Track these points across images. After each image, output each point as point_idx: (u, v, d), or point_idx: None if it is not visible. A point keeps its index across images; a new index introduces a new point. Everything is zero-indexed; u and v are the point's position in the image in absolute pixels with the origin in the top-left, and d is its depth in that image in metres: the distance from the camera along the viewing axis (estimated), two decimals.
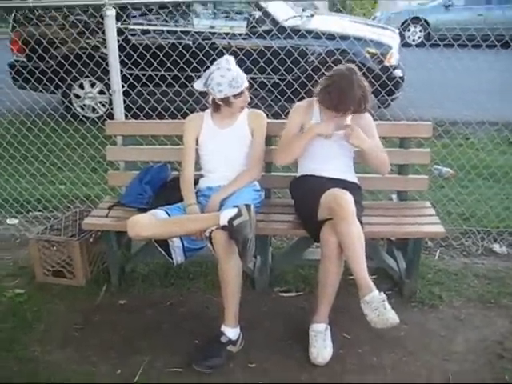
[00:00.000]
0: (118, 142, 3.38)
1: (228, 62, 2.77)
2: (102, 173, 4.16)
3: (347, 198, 2.51)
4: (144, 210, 2.80)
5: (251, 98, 2.93)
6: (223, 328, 2.61)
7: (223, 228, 2.47)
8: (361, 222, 2.55)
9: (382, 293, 2.39)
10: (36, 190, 4.29)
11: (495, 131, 4.37)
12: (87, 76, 5.60)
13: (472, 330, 2.82)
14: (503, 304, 3.04)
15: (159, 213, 2.70)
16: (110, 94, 3.65)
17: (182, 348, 2.68)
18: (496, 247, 3.67)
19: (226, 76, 2.73)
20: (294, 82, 4.35)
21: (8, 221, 4.15)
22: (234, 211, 2.45)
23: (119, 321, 2.92)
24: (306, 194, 2.79)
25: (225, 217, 2.46)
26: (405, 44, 7.60)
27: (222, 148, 2.90)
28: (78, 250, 3.15)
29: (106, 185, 3.98)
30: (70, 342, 2.77)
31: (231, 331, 2.60)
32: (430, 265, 3.42)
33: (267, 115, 3.04)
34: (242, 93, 2.80)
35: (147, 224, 2.59)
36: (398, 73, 6.00)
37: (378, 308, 2.33)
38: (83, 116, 5.97)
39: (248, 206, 2.46)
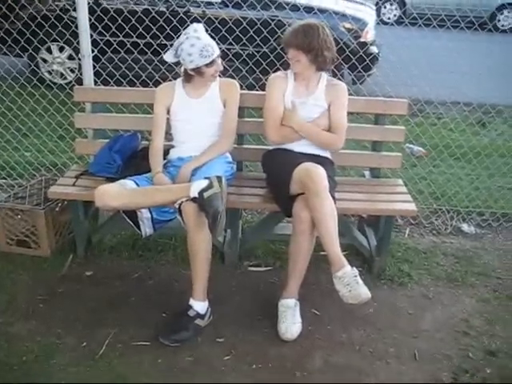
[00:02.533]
0: (86, 109, 3.27)
1: (196, 30, 2.69)
2: (70, 140, 4.04)
3: (320, 172, 2.48)
4: (112, 180, 2.72)
5: (226, 69, 2.86)
6: (191, 302, 2.57)
7: (193, 200, 2.41)
8: (333, 198, 2.52)
9: (354, 268, 2.38)
10: (0, 156, 4.14)
11: (469, 112, 4.37)
12: (55, 40, 5.40)
13: (440, 308, 2.85)
14: (470, 283, 3.08)
15: (128, 183, 2.62)
16: (79, 60, 3.51)
17: (150, 321, 2.63)
18: (465, 227, 3.71)
19: (195, 45, 2.65)
20: (269, 54, 4.26)
21: None
22: (205, 183, 2.40)
23: (85, 292, 2.85)
24: (278, 168, 2.75)
25: (195, 188, 2.40)
26: (380, 21, 7.54)
27: (194, 118, 2.83)
28: (43, 220, 3.06)
29: (73, 153, 3.86)
30: (34, 313, 2.69)
31: (199, 305, 2.57)
32: (400, 243, 3.44)
33: (241, 86, 2.97)
34: (213, 62, 2.72)
35: (115, 194, 2.51)
36: (373, 49, 5.97)
37: (350, 283, 2.31)
38: (51, 81, 5.78)
39: (219, 178, 2.41)
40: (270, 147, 2.96)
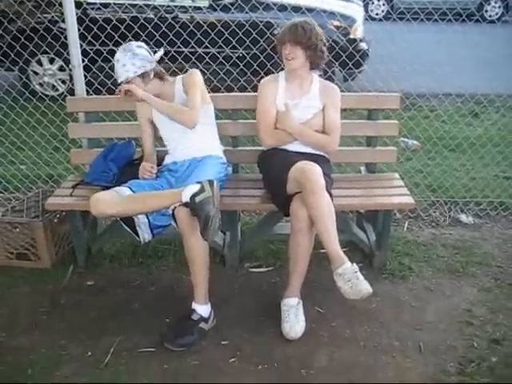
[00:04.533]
0: (80, 119, 3.26)
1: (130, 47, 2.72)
2: (65, 151, 4.04)
3: (316, 170, 2.48)
4: (108, 188, 2.71)
5: (217, 72, 2.87)
6: (194, 305, 2.57)
7: (185, 205, 2.41)
8: (330, 195, 2.53)
9: (355, 264, 2.38)
10: None
11: (461, 103, 4.37)
12: (45, 52, 5.39)
13: (442, 300, 2.86)
14: (471, 273, 3.09)
15: (123, 189, 2.62)
16: (70, 70, 3.51)
17: (154, 327, 2.63)
18: (463, 217, 3.72)
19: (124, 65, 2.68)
20: (260, 55, 4.27)
21: None
22: (197, 187, 2.39)
23: (87, 302, 2.85)
24: (274, 168, 2.75)
25: (187, 193, 2.39)
26: (368, 17, 7.57)
27: (170, 122, 2.80)
28: (42, 231, 3.05)
29: (69, 164, 3.86)
30: (37, 325, 2.69)
31: (202, 308, 2.57)
32: (399, 236, 3.44)
33: (232, 89, 2.98)
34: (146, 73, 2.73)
35: (110, 201, 2.51)
36: (363, 45, 5.98)
37: (351, 279, 2.31)
38: (43, 94, 5.77)
39: (211, 182, 2.40)
40: (265, 148, 2.97)
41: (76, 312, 2.77)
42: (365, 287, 2.31)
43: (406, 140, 4.72)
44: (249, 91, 3.35)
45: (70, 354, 2.49)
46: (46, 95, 4.96)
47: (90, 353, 2.49)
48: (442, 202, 3.80)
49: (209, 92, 2.95)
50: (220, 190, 2.71)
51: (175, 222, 2.49)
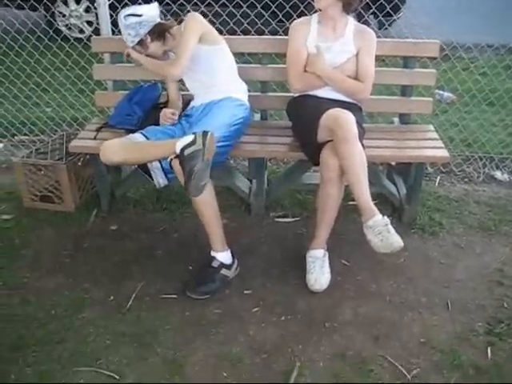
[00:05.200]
0: (105, 60, 3.17)
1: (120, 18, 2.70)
2: (90, 93, 3.96)
3: (349, 118, 2.37)
4: (132, 132, 2.65)
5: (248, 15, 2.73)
6: (212, 253, 2.54)
7: (176, 156, 2.32)
8: (362, 145, 2.41)
9: (385, 217, 2.29)
10: (20, 112, 4.09)
11: (504, 54, 4.14)
12: None
13: (472, 258, 2.77)
14: (504, 231, 2.98)
15: (135, 136, 2.56)
16: (95, 8, 3.39)
17: (176, 274, 2.61)
18: (498, 174, 3.59)
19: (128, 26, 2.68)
20: None
21: None
22: (189, 139, 2.27)
23: (110, 246, 2.83)
24: (305, 115, 2.64)
25: (179, 144, 2.30)
26: None
27: (188, 68, 2.71)
28: (66, 174, 3.02)
29: (94, 106, 3.79)
30: (61, 268, 2.68)
31: (221, 255, 2.53)
32: (431, 191, 3.33)
33: (263, 32, 2.84)
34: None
35: (116, 149, 2.46)
36: None
37: (382, 232, 2.23)
38: (68, 35, 5.66)
39: (205, 134, 2.27)
40: (295, 94, 2.85)
41: (99, 256, 2.76)
42: (396, 240, 2.23)
43: (441, 92, 4.53)
44: (280, 35, 3.19)
45: (92, 298, 2.48)
46: (72, 37, 4.86)
47: (112, 297, 2.48)
48: (476, 157, 3.66)
49: (224, 34, 2.84)
50: (238, 134, 2.64)
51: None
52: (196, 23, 2.64)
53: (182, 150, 2.26)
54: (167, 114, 2.76)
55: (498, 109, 4.12)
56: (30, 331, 2.29)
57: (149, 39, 2.70)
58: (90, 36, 3.24)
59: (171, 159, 2.36)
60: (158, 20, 2.70)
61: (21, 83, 4.08)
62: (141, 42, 2.71)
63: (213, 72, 2.74)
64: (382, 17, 4.08)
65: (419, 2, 5.14)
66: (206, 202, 2.44)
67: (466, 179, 3.54)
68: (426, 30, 3.84)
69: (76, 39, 4.10)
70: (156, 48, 2.74)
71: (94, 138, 2.88)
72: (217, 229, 2.51)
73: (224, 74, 2.78)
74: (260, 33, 3.37)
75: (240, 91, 2.83)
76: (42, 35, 3.90)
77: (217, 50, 2.73)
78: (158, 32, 2.71)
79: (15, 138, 3.98)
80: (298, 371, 2.10)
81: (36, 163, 3.07)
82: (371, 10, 3.91)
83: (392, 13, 4.41)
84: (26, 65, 4.12)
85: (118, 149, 2.46)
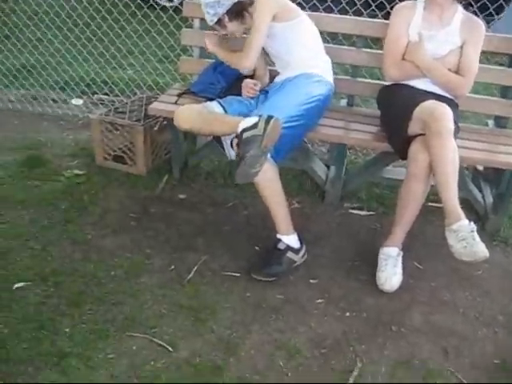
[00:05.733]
0: (194, 26, 3.09)
1: None
2: (175, 59, 3.91)
3: (447, 112, 2.19)
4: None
5: None
6: (278, 235, 2.43)
7: (237, 136, 2.21)
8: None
9: (472, 223, 2.11)
10: (104, 70, 4.10)
11: None
12: None
13: None
14: None
15: (212, 105, 2.50)
16: None
17: (242, 252, 2.53)
18: None
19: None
20: None
21: (73, 101, 4.02)
22: (252, 121, 2.15)
23: (178, 215, 2.77)
24: (398, 104, 2.48)
25: (241, 125, 2.19)
26: None
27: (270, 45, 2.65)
28: (142, 136, 2.97)
29: (176, 73, 3.74)
30: (125, 229, 2.65)
31: (287, 238, 2.42)
32: None
33: (362, 13, 2.68)
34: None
35: (186, 117, 2.42)
36: None
37: (466, 238, 2.06)
38: (156, 3, 5.62)
39: (269, 119, 2.13)
40: (388, 82, 2.68)
41: (165, 223, 2.71)
42: (481, 249, 2.06)
43: None
44: (379, 18, 3.02)
45: (153, 264, 2.44)
46: (159, 5, 4.82)
47: (173, 266, 2.43)
48: None
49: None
50: (313, 113, 2.47)
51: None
52: (265, 6, 2.50)
53: (243, 131, 2.16)
54: (249, 85, 2.67)
55: None
56: (88, 288, 2.27)
57: (226, 18, 2.57)
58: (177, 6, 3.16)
59: (234, 137, 2.27)
60: None
61: (105, 45, 4.07)
62: (219, 22, 2.59)
63: (288, 48, 2.62)
64: (485, 16, 3.82)
65: None
66: (268, 186, 2.34)
67: None
68: None
69: (162, 8, 4.04)
70: (235, 27, 2.62)
71: (175, 103, 2.82)
72: (281, 212, 2.40)
73: (301, 50, 2.62)
74: (358, 14, 3.21)
75: (319, 67, 2.64)
76: (129, 1, 3.87)
77: (292, 26, 2.57)
78: (236, 11, 2.56)
79: (95, 96, 3.99)
80: (358, 372, 1.98)
81: (113, 122, 3.04)
82: (478, 4, 3.66)
83: (494, 13, 4.14)
84: (110, 30, 4.07)
85: (188, 116, 2.42)
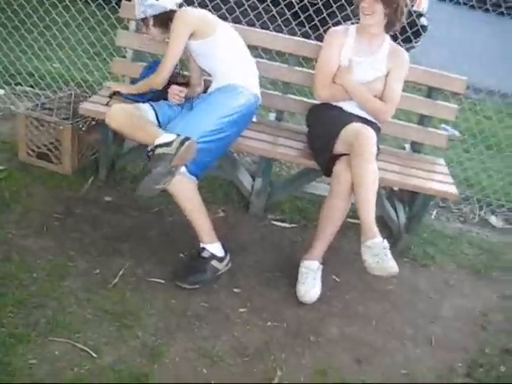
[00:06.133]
0: (130, 28, 3.08)
1: None
2: (107, 58, 3.85)
3: (371, 136, 2.34)
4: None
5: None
6: (202, 244, 2.48)
7: (151, 150, 2.26)
8: None
9: (385, 240, 2.26)
10: (30, 62, 3.94)
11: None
12: None
13: (460, 298, 2.76)
14: (493, 277, 2.98)
15: (144, 106, 2.54)
16: None
17: (167, 259, 2.55)
18: (492, 219, 3.60)
19: None
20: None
21: None
22: (169, 139, 2.20)
23: (103, 218, 2.75)
24: (326, 123, 2.61)
25: (158, 141, 2.23)
26: None
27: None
28: (70, 134, 2.91)
29: (107, 71, 3.69)
30: (48, 230, 2.59)
31: (211, 246, 2.47)
32: (427, 224, 3.31)
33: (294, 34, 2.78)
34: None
35: (116, 116, 2.43)
36: (423, 20, 5.69)
37: (379, 254, 2.20)
38: None
39: (184, 141, 2.17)
40: (318, 102, 2.81)
41: (90, 225, 2.68)
42: (391, 265, 2.21)
43: (447, 127, 4.52)
44: (312, 39, 3.14)
45: (77, 267, 2.40)
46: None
47: (98, 270, 2.41)
48: (475, 199, 3.66)
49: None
50: (234, 125, 2.48)
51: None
52: (183, 25, 2.53)
53: (157, 146, 2.20)
54: (174, 91, 2.69)
55: (495, 153, 4.13)
56: (9, 290, 2.20)
57: (152, 22, 2.60)
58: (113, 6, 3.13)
59: (150, 149, 2.28)
60: (170, 8, 2.56)
61: (34, 36, 3.93)
62: (145, 21, 2.62)
63: (208, 63, 2.68)
64: (402, 42, 4.06)
65: (440, 32, 5.13)
66: (186, 198, 2.38)
67: (462, 218, 3.54)
68: (442, 62, 3.83)
69: (97, 5, 3.96)
70: (156, 33, 2.65)
71: (107, 104, 2.79)
72: (201, 223, 2.44)
73: (219, 64, 2.65)
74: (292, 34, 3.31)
75: (241, 78, 2.64)
76: None
77: (206, 43, 2.59)
78: (162, 20, 2.59)
79: (18, 87, 3.85)
80: (278, 379, 2.06)
81: (40, 118, 2.96)
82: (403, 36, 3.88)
83: (412, 38, 4.39)
84: (41, 21, 3.90)
85: (115, 116, 2.42)
